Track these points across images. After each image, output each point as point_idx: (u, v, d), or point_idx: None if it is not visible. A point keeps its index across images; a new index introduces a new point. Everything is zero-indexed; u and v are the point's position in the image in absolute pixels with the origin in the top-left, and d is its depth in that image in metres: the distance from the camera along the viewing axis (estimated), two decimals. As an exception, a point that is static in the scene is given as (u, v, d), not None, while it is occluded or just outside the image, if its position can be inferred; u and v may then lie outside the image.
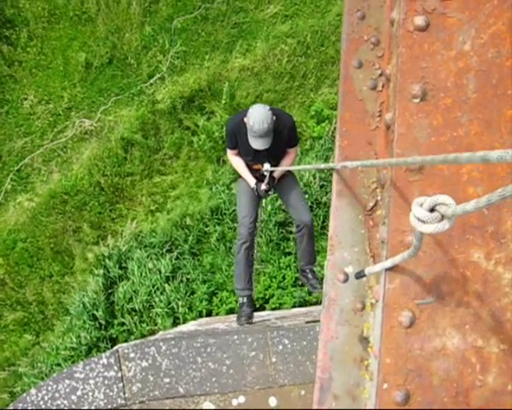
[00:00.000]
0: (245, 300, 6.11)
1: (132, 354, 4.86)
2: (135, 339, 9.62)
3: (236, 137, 5.59)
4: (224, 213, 10.60)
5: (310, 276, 6.42)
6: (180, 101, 11.48)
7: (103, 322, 9.92)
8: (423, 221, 1.48)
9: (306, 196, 10.28)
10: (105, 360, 4.85)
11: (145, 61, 11.96)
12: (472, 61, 2.01)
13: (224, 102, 11.30)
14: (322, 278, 8.24)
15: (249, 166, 5.85)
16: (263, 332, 4.89)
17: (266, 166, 5.63)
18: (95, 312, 9.93)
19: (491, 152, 1.15)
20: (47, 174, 11.36)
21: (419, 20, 2.05)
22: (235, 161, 5.88)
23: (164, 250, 10.42)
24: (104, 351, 9.43)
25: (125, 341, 9.65)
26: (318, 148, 10.94)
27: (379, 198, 2.36)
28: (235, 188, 6.40)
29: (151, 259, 10.28)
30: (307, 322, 5.39)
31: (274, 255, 10.14)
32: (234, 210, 10.39)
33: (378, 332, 2.01)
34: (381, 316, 1.93)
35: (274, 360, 4.79)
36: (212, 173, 11.11)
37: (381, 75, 2.49)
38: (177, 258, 10.34)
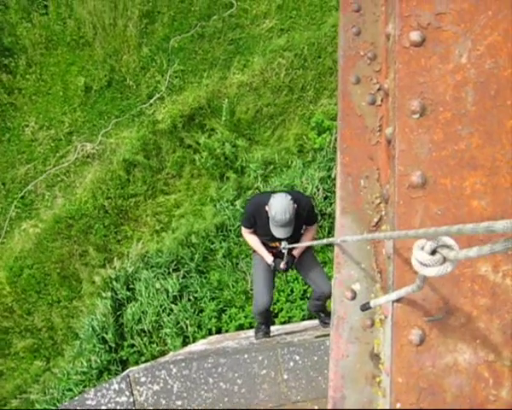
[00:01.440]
0: (263, 327, 6.48)
1: (143, 379, 4.84)
2: (145, 360, 9.60)
3: (256, 219, 5.63)
4: (229, 230, 10.59)
5: (322, 315, 6.69)
6: (180, 120, 11.51)
7: (113, 345, 9.90)
8: (425, 265, 1.46)
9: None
10: (116, 386, 4.83)
11: (144, 82, 12.00)
12: (470, 74, 2.01)
13: (224, 118, 11.33)
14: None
15: (265, 243, 5.88)
16: (273, 349, 4.86)
17: (284, 243, 5.64)
18: (104, 335, 9.92)
19: (496, 223, 1.15)
20: (51, 200, 11.38)
21: (414, 36, 2.05)
22: (251, 240, 5.91)
23: (170, 269, 10.41)
24: (115, 374, 9.43)
25: (136, 362, 9.64)
26: (320, 159, 10.94)
27: (383, 213, 2.35)
28: (252, 261, 6.28)
29: (158, 279, 10.27)
30: (317, 337, 5.37)
31: (281, 269, 10.12)
32: (239, 226, 10.38)
33: (389, 349, 2.00)
34: (391, 335, 1.91)
35: (286, 376, 4.76)
36: (216, 190, 11.11)
37: (379, 90, 2.48)
38: (184, 277, 10.33)
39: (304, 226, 5.90)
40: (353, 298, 2.27)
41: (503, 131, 1.95)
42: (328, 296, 6.05)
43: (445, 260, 1.42)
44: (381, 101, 2.46)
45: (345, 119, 2.48)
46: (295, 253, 5.83)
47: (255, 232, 5.86)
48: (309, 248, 6.14)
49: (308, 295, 9.73)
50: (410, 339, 1.86)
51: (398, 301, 1.89)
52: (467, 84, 2.00)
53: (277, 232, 5.34)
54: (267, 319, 6.42)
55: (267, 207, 5.34)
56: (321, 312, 6.67)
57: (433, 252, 1.45)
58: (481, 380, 1.81)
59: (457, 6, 2.08)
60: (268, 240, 5.78)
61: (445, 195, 1.92)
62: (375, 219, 2.37)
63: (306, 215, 5.64)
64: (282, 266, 5.75)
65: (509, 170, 1.92)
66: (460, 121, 1.97)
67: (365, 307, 2.14)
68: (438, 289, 1.87)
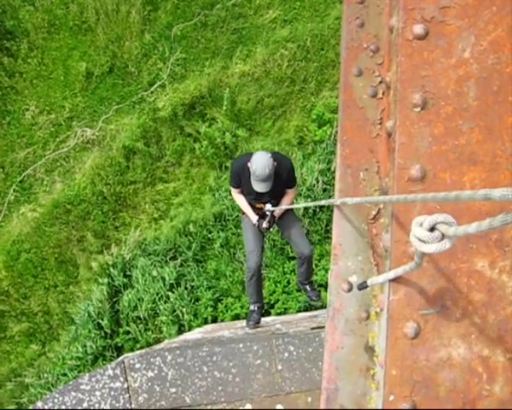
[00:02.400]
0: (256, 308, 6.70)
1: (138, 365, 4.85)
2: (140, 347, 9.62)
3: (240, 177, 6.06)
4: (228, 220, 10.59)
5: (308, 288, 7.01)
6: (181, 108, 11.49)
7: (109, 331, 9.93)
8: (424, 241, 1.46)
9: (309, 200, 10.28)
10: (111, 372, 4.84)
11: (145, 69, 11.97)
12: (472, 69, 2.00)
13: (225, 108, 11.31)
14: (322, 285, 8.30)
15: (252, 205, 6.32)
16: (268, 340, 4.87)
17: (268, 206, 6.13)
18: (100, 321, 9.94)
19: (493, 191, 1.14)
20: (50, 184, 11.38)
21: (418, 29, 2.05)
22: (239, 199, 6.36)
23: (168, 258, 10.43)
24: (110, 360, 9.45)
25: (131, 349, 9.66)
26: (320, 151, 10.93)
27: (381, 206, 2.35)
28: (241, 223, 6.80)
29: (155, 266, 10.29)
30: (312, 328, 5.38)
31: (278, 260, 10.14)
32: (237, 215, 10.40)
33: (383, 342, 2.00)
34: (386, 328, 1.91)
35: (280, 367, 4.78)
36: (215, 180, 11.11)
37: (381, 82, 2.48)
38: (181, 265, 10.35)
39: (285, 190, 6.31)
40: (349, 290, 2.27)
41: (503, 127, 1.95)
42: (309, 258, 6.60)
43: (443, 236, 1.43)
44: (383, 94, 2.45)
45: (346, 111, 2.47)
46: (276, 213, 6.26)
47: (242, 193, 6.28)
48: (291, 211, 6.56)
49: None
50: (404, 332, 1.86)
51: (394, 292, 1.89)
52: (469, 79, 1.99)
53: (258, 187, 5.76)
54: (258, 290, 6.64)
55: (249, 164, 5.77)
56: (307, 284, 6.99)
57: (432, 229, 1.45)
58: (475, 375, 1.82)
59: (462, 0, 2.07)
60: (253, 200, 6.20)
61: (444, 189, 1.91)
62: (374, 212, 2.37)
63: (286, 176, 6.05)
64: (264, 224, 6.16)
65: (508, 166, 1.92)
66: (461, 116, 1.96)
67: (362, 286, 2.14)
68: (434, 283, 1.87)
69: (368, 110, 2.46)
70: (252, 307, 6.73)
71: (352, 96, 2.48)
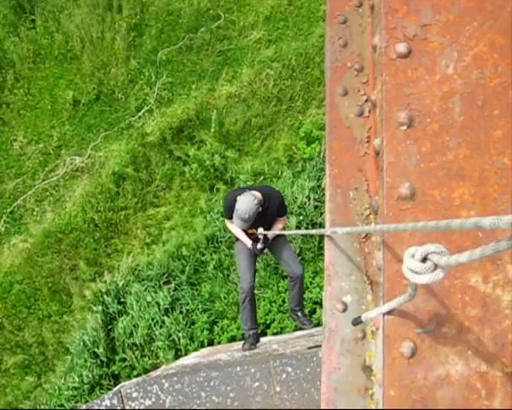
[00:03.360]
0: (251, 334, 6.84)
1: (135, 394, 4.80)
2: (137, 374, 9.54)
3: (232, 210, 6.28)
4: (220, 241, 10.57)
5: (300, 314, 7.15)
6: (169, 132, 11.51)
7: (105, 359, 9.84)
8: (416, 272, 1.45)
9: (301, 217, 10.28)
10: (108, 402, 4.80)
11: (132, 95, 12.00)
12: (456, 85, 2.01)
13: (213, 130, 11.33)
14: (317, 303, 8.33)
15: (245, 231, 6.61)
16: (265, 362, 4.84)
17: (260, 230, 6.45)
18: (95, 349, 9.85)
19: (483, 219, 1.14)
20: (40, 214, 11.33)
21: (401, 48, 2.06)
22: (232, 228, 6.67)
23: (161, 282, 10.38)
24: (107, 389, 9.36)
25: (128, 376, 9.57)
26: (310, 169, 10.95)
27: (373, 225, 2.35)
28: (234, 249, 7.15)
29: (149, 292, 10.23)
30: (309, 348, 5.36)
31: (272, 280, 10.11)
32: (229, 237, 10.38)
33: (380, 361, 1.99)
34: (382, 348, 1.90)
35: (278, 389, 4.74)
36: (206, 202, 11.09)
37: (366, 101, 2.49)
38: (175, 289, 10.30)
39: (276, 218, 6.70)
40: (344, 310, 2.26)
41: (490, 141, 1.95)
42: (301, 278, 6.85)
43: (436, 267, 1.42)
44: (369, 112, 2.46)
45: (333, 130, 2.47)
46: (269, 236, 6.59)
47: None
48: (282, 236, 6.88)
49: (300, 305, 9.71)
50: (401, 352, 1.85)
51: (389, 313, 1.89)
52: (454, 95, 2.00)
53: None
54: (252, 311, 6.80)
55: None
56: (299, 311, 7.13)
57: (424, 260, 1.44)
58: (474, 391, 1.81)
59: (443, 17, 2.08)
60: (246, 228, 6.44)
61: (434, 206, 1.91)
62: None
63: (277, 208, 6.48)
64: (259, 245, 6.50)
65: (497, 180, 1.92)
66: (448, 132, 1.97)
67: (356, 322, 2.13)
68: (428, 301, 1.87)
69: (355, 129, 2.46)
70: (247, 334, 6.90)
71: (339, 116, 2.49)
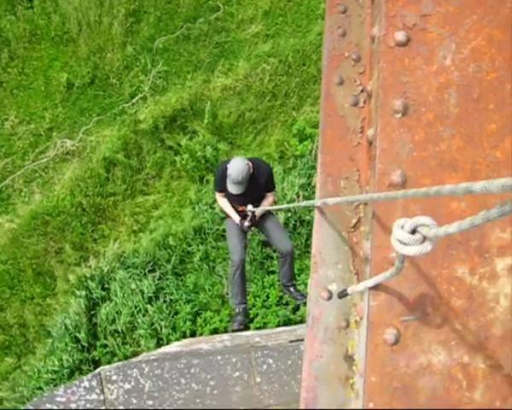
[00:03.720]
0: (240, 310, 7.14)
1: (115, 377, 4.78)
2: (118, 361, 9.50)
3: (223, 181, 6.43)
4: (207, 233, 10.54)
5: (292, 289, 7.37)
6: (162, 120, 11.46)
7: (86, 344, 9.79)
8: (405, 243, 1.45)
9: (290, 214, 10.29)
10: (87, 383, 4.77)
11: (127, 81, 11.94)
12: (453, 76, 2.01)
13: (206, 121, 11.30)
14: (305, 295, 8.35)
15: (235, 208, 6.77)
16: (247, 352, 4.84)
17: (249, 207, 6.58)
18: (77, 334, 9.80)
19: (474, 184, 1.13)
20: (28, 195, 11.26)
21: (399, 36, 2.05)
22: (223, 202, 6.82)
23: (147, 271, 10.33)
24: (87, 374, 9.32)
25: (108, 363, 9.53)
26: (301, 166, 10.95)
27: (362, 215, 2.35)
28: (225, 226, 7.34)
29: (134, 279, 10.19)
30: (291, 341, 5.35)
31: (257, 274, 10.10)
32: (217, 229, 10.37)
33: (363, 350, 1.98)
34: (366, 334, 1.90)
35: (258, 380, 4.74)
36: (195, 193, 11.06)
37: (362, 91, 2.48)
38: (160, 278, 10.26)
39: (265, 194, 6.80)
40: (329, 298, 2.25)
41: (484, 134, 1.96)
42: (291, 254, 7.00)
43: (424, 239, 1.42)
44: (364, 102, 2.46)
45: (327, 119, 2.47)
46: (257, 213, 6.69)
47: (226, 197, 6.71)
48: (271, 213, 7.07)
49: (284, 301, 9.72)
50: (384, 338, 1.85)
51: (374, 298, 1.88)
52: (450, 86, 2.00)
53: (232, 188, 6.22)
54: (242, 287, 7.02)
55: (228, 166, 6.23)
56: (291, 286, 7.35)
57: (413, 232, 1.44)
58: (455, 382, 1.81)
59: (443, 8, 2.08)
60: (235, 203, 6.65)
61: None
62: (354, 221, 2.36)
63: (265, 180, 6.54)
64: (246, 223, 6.62)
65: (488, 173, 1.92)
66: (442, 123, 1.97)
67: (342, 294, 2.13)
68: (414, 289, 1.87)
69: (349, 119, 2.46)
70: (237, 309, 7.14)
71: (334, 105, 2.48)
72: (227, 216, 7.00)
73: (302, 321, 8.63)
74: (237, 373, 4.76)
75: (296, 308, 9.64)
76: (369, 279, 1.93)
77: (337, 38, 2.59)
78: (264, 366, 4.79)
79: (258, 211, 6.67)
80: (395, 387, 1.81)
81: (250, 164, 6.29)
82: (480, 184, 1.11)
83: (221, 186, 6.58)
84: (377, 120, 2.04)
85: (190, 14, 12.42)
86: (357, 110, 2.47)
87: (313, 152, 10.86)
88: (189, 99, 11.60)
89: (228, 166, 6.20)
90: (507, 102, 1.99)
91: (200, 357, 4.84)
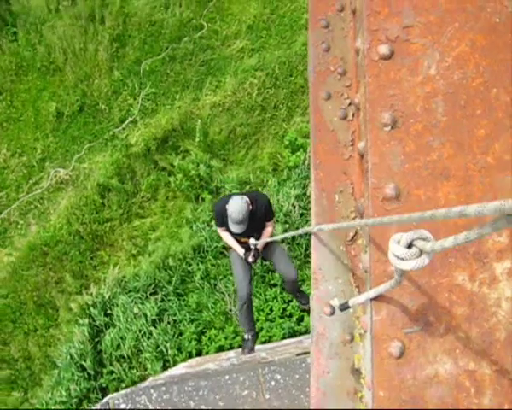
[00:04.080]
0: (250, 337, 6.93)
1: (123, 405, 4.76)
2: (125, 387, 9.47)
3: (223, 217, 6.44)
4: (207, 251, 10.54)
5: (297, 294, 7.63)
6: (154, 142, 11.48)
7: (92, 372, 9.75)
8: (402, 258, 1.46)
9: (287, 225, 10.29)
10: (96, 414, 4.75)
11: (116, 106, 11.97)
12: (439, 85, 2.03)
13: (197, 139, 11.32)
14: (304, 309, 8.41)
15: (237, 240, 6.74)
16: (254, 369, 4.82)
17: (252, 240, 6.56)
18: (83, 362, 9.77)
19: (468, 207, 1.14)
20: (25, 227, 11.25)
21: (383, 49, 2.07)
22: (225, 236, 6.80)
23: (148, 293, 10.32)
24: (95, 402, 9.28)
25: (116, 389, 9.50)
26: (295, 177, 10.96)
27: (359, 228, 2.35)
28: (229, 257, 7.33)
29: (136, 303, 10.17)
30: (298, 354, 5.34)
31: (260, 288, 10.09)
32: (216, 247, 10.36)
33: (369, 363, 1.98)
34: (371, 349, 1.90)
35: (267, 396, 4.72)
36: (192, 212, 11.06)
37: (350, 104, 2.50)
38: (162, 300, 10.24)
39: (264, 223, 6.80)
40: (332, 313, 2.25)
41: (473, 140, 1.97)
42: (295, 281, 7.09)
43: (421, 252, 1.42)
44: (353, 115, 2.47)
45: (317, 134, 2.48)
46: (259, 247, 6.70)
47: (227, 230, 6.62)
48: (274, 241, 7.02)
49: (287, 313, 9.73)
50: (389, 352, 1.85)
51: (376, 313, 1.88)
52: (436, 95, 2.02)
53: (234, 228, 6.20)
54: (250, 316, 7.02)
55: (227, 206, 6.19)
56: (297, 292, 7.53)
57: (410, 246, 1.45)
58: (463, 390, 1.81)
59: (424, 19, 2.10)
60: (238, 235, 6.56)
61: (420, 206, 1.92)
62: (351, 234, 2.37)
63: (264, 211, 6.53)
64: (250, 259, 6.60)
65: (481, 179, 1.93)
66: (431, 132, 1.98)
67: (344, 307, 2.13)
68: (416, 301, 1.87)
69: (339, 133, 2.47)
70: (246, 337, 7.01)
71: (323, 120, 2.49)
72: (230, 248, 7.00)
73: (307, 332, 8.63)
74: (246, 392, 4.75)
75: (300, 319, 9.63)
76: (370, 290, 1.93)
77: (321, 53, 2.61)
78: (273, 382, 4.78)
79: (260, 244, 6.68)
80: (403, 400, 1.81)
81: (248, 200, 6.28)
82: (474, 207, 1.12)
83: (222, 222, 6.60)
84: (367, 134, 2.05)
85: (175, 35, 12.47)
86: (347, 123, 2.48)
87: (306, 162, 10.87)
88: (179, 119, 11.63)
89: (227, 206, 6.19)
90: (494, 106, 2.01)
91: (208, 378, 4.82)
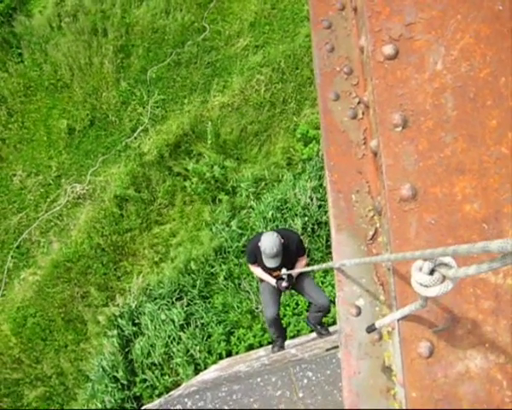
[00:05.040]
0: (278, 341, 7.38)
1: (159, 416, 4.80)
2: (159, 394, 9.54)
3: (256, 255, 6.70)
4: (228, 251, 10.58)
5: (318, 326, 7.58)
6: (166, 149, 11.53)
7: (125, 382, 9.84)
8: (426, 286, 1.45)
9: (306, 218, 10.29)
10: (133, 427, 4.80)
11: (126, 116, 12.03)
12: (447, 80, 2.02)
13: (209, 141, 11.35)
14: (331, 301, 8.48)
15: (269, 273, 6.89)
16: (285, 369, 4.84)
17: (284, 270, 6.68)
18: (115, 373, 9.86)
19: (490, 244, 1.14)
20: (47, 245, 11.35)
21: (388, 49, 2.06)
22: (257, 271, 7.00)
23: (174, 299, 10.38)
24: (131, 412, 9.37)
25: (150, 397, 9.57)
26: (310, 169, 10.95)
27: (378, 225, 2.35)
28: (260, 288, 7.48)
29: (163, 310, 10.24)
30: (327, 350, 5.35)
31: (284, 284, 10.10)
32: (237, 246, 10.41)
33: (399, 360, 1.99)
34: (400, 351, 1.91)
35: (301, 395, 4.73)
36: (210, 214, 11.11)
37: (359, 103, 2.49)
38: (188, 304, 10.30)
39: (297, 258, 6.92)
40: (358, 314, 2.25)
41: (486, 132, 1.96)
42: (328, 308, 7.13)
43: (444, 278, 1.42)
44: (363, 114, 2.46)
45: (329, 136, 2.48)
46: (293, 274, 6.82)
47: (259, 264, 6.82)
48: (305, 274, 7.12)
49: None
50: (419, 352, 1.85)
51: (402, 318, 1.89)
52: (445, 90, 2.01)
53: (269, 263, 6.39)
54: (279, 329, 7.33)
55: (259, 244, 6.39)
56: (318, 324, 7.53)
57: (432, 271, 1.44)
58: (495, 383, 1.81)
59: (426, 14, 2.09)
60: (271, 270, 6.71)
61: (437, 203, 1.91)
62: (371, 233, 2.36)
63: (296, 248, 6.68)
64: (284, 284, 6.73)
65: (497, 170, 1.92)
66: (443, 128, 1.97)
67: (371, 329, 2.12)
68: (441, 299, 1.87)
69: (350, 132, 2.46)
70: (275, 338, 7.40)
71: (333, 121, 2.49)
72: (261, 280, 7.16)
73: (334, 322, 8.62)
74: (279, 392, 4.77)
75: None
76: (396, 312, 1.93)
77: (326, 54, 2.60)
78: (305, 380, 4.80)
79: (295, 273, 6.80)
80: (437, 399, 1.81)
81: (279, 236, 6.44)
82: (497, 243, 1.12)
83: (254, 259, 6.80)
84: (378, 136, 2.04)
85: (178, 40, 12.50)
86: (357, 122, 2.47)
87: (320, 153, 10.86)
88: (190, 123, 11.67)
89: (260, 244, 6.36)
90: (504, 95, 1.99)
91: (240, 382, 4.85)
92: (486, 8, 2.09)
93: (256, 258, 6.75)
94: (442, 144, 1.96)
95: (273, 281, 6.84)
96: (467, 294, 1.86)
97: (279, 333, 7.38)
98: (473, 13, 2.08)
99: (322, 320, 7.58)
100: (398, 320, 1.90)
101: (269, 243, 6.25)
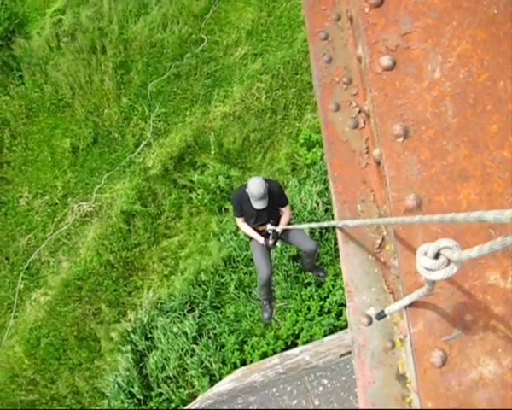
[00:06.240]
0: (267, 303, 7.60)
1: (176, 431, 4.80)
2: (175, 407, 9.55)
3: (241, 205, 6.92)
4: (237, 261, 10.58)
5: (314, 270, 8.02)
6: (171, 161, 11.56)
7: (141, 397, 9.85)
8: (431, 269, 1.46)
9: (313, 222, 10.29)
10: (151, 444, 4.80)
11: (129, 132, 12.07)
12: (445, 87, 2.02)
13: (213, 152, 11.37)
14: (342, 304, 8.46)
15: (255, 229, 7.12)
16: (300, 378, 4.83)
17: (269, 226, 6.98)
18: (131, 389, 9.87)
19: (486, 213, 1.15)
20: (56, 265, 11.38)
21: (385, 61, 2.07)
22: (244, 227, 7.20)
23: (185, 311, 10.39)
24: (148, 427, 9.37)
25: (167, 411, 9.58)
26: (315, 174, 10.96)
27: (385, 234, 2.35)
28: (250, 247, 7.69)
29: (175, 323, 10.25)
30: (341, 355, 5.34)
31: (294, 289, 10.10)
32: (246, 255, 10.40)
33: (413, 370, 1.99)
34: (413, 361, 1.91)
35: (317, 403, 4.73)
36: (217, 224, 11.12)
37: (360, 112, 2.49)
38: (200, 316, 10.31)
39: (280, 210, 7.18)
40: (370, 323, 2.25)
41: (487, 137, 1.96)
42: (316, 251, 7.50)
43: (449, 261, 1.43)
44: (364, 123, 2.46)
45: (331, 147, 2.48)
46: (278, 230, 7.06)
47: (246, 221, 7.10)
48: (290, 225, 7.36)
49: (325, 309, 9.72)
50: (432, 362, 1.85)
51: (413, 325, 1.89)
52: (444, 98, 2.01)
53: (257, 204, 6.64)
54: (269, 292, 7.59)
55: (247, 190, 6.62)
56: (313, 268, 7.95)
57: (437, 256, 1.46)
58: (510, 388, 1.80)
59: (422, 23, 2.09)
60: (255, 224, 7.04)
61: (442, 212, 1.91)
62: (378, 241, 2.37)
63: (277, 195, 6.90)
64: (270, 241, 7.01)
65: (500, 174, 1.93)
66: (444, 136, 1.98)
67: (381, 316, 2.13)
68: (451, 307, 1.87)
69: (352, 142, 2.47)
70: (264, 303, 7.63)
71: (335, 132, 2.49)
72: (250, 239, 7.37)
73: (347, 326, 8.61)
74: (295, 401, 4.77)
75: (339, 314, 9.62)
76: (404, 298, 1.93)
77: (324, 66, 2.61)
78: (320, 388, 4.79)
79: (279, 229, 7.06)
80: (452, 407, 1.81)
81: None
82: (492, 213, 1.14)
83: (240, 211, 7.02)
84: (380, 147, 2.05)
85: (176, 52, 12.54)
86: (359, 132, 2.48)
87: (324, 157, 10.85)
88: (193, 134, 11.70)
89: (247, 189, 6.62)
90: (503, 99, 2.00)
91: (256, 393, 4.85)
92: (482, 13, 2.10)
93: (242, 209, 6.98)
94: (444, 152, 1.96)
95: (261, 239, 7.09)
96: (477, 300, 1.86)
97: (268, 295, 7.63)
98: (468, 18, 2.09)
99: (316, 264, 7.95)
100: (409, 327, 1.90)
101: (256, 185, 6.51)
